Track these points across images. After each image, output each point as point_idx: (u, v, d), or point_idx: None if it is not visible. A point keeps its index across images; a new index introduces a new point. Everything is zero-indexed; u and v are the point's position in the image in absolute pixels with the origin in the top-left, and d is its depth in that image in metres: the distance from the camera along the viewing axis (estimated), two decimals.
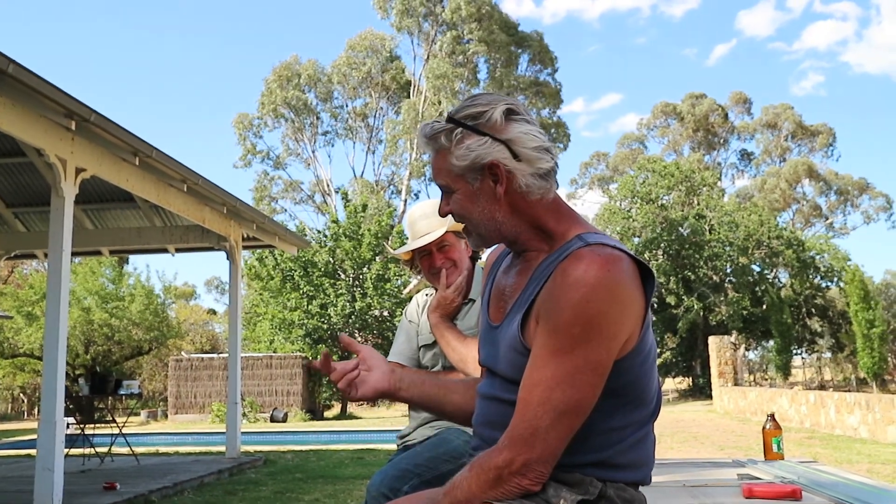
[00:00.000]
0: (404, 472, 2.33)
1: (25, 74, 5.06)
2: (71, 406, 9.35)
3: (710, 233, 28.16)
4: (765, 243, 28.16)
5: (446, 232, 2.58)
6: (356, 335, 23.53)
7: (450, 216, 2.27)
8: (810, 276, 29.33)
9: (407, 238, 2.78)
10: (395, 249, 2.76)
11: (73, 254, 8.04)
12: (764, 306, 27.23)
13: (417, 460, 2.37)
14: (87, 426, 9.31)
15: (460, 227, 2.57)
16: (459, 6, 30.36)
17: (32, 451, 9.05)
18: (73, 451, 9.20)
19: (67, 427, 7.14)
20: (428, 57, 31.76)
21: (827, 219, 40.64)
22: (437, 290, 2.61)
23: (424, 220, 2.64)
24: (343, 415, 22.90)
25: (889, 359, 24.24)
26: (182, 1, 66.86)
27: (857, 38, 62.54)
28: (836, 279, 29.28)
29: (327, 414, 23.29)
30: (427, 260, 2.65)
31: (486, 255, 1.95)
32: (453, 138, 1.50)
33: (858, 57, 64.62)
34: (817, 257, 29.62)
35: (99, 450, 9.29)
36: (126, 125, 6.26)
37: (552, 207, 1.54)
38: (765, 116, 41.78)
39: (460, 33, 31.15)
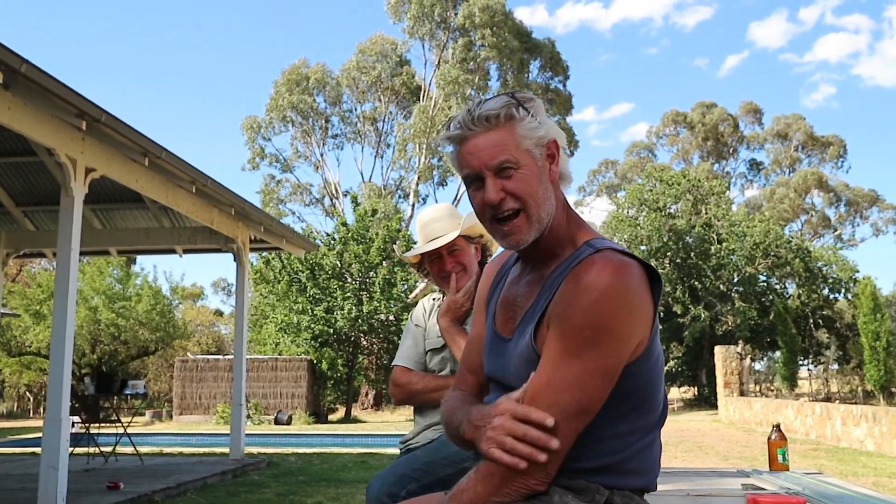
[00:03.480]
0: (402, 477, 2.32)
1: (38, 74, 5.09)
2: (76, 405, 9.38)
3: (717, 242, 28.09)
4: (772, 253, 28.07)
5: (458, 236, 2.58)
6: (362, 339, 23.53)
7: (459, 221, 2.24)
8: (818, 287, 29.21)
9: (415, 242, 2.78)
10: (403, 253, 2.77)
11: (82, 253, 8.06)
12: (771, 316, 27.13)
13: (415, 464, 2.37)
14: (92, 425, 9.34)
15: (472, 231, 2.59)
16: (473, 13, 30.41)
17: (37, 449, 9.07)
18: (78, 449, 9.22)
19: (72, 426, 7.14)
20: (439, 62, 31.79)
21: (836, 230, 40.49)
22: (445, 294, 2.61)
23: (435, 223, 2.64)
24: (347, 418, 22.90)
25: None
26: (192, 2, 67.22)
27: (869, 51, 62.41)
28: (843, 290, 29.15)
29: (332, 417, 23.27)
30: (437, 263, 2.65)
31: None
32: (524, 111, 1.48)
33: (871, 70, 64.46)
34: (825, 268, 29.50)
35: (103, 449, 9.32)
36: (135, 126, 6.29)
37: (563, 206, 1.55)
38: (776, 126, 41.69)
39: (472, 39, 31.17)
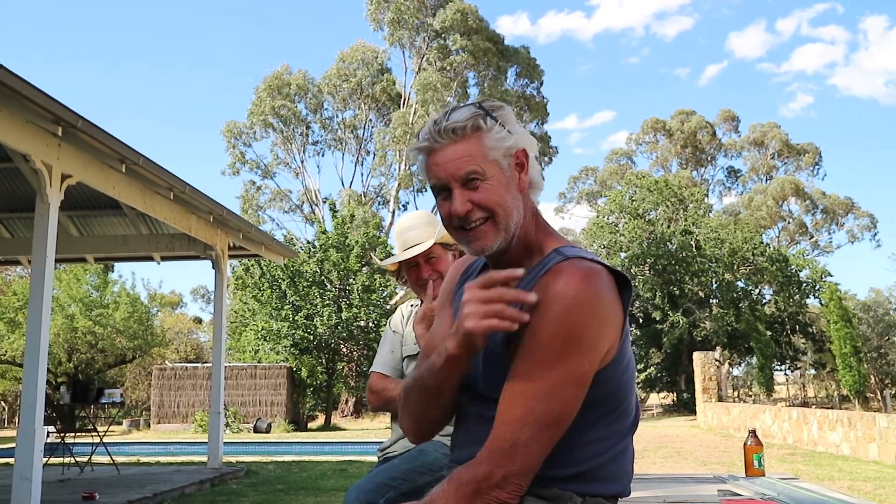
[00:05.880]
0: (380, 486, 2.31)
1: (12, 79, 5.04)
2: (52, 414, 9.26)
3: (696, 249, 28.29)
4: (750, 260, 28.33)
5: (434, 244, 2.58)
6: (341, 346, 23.43)
7: (436, 229, 2.25)
8: (794, 293, 29.50)
9: (393, 248, 2.78)
10: (381, 260, 2.77)
11: (58, 260, 7.96)
12: (743, 323, 27.40)
13: (393, 473, 2.36)
14: (67, 435, 9.21)
15: (448, 238, 2.59)
16: (446, 17, 30.57)
17: (10, 460, 8.94)
18: (53, 460, 9.08)
19: (48, 436, 7.06)
20: (419, 70, 31.87)
21: (812, 237, 40.92)
22: (423, 301, 2.60)
23: (412, 231, 2.65)
24: (327, 426, 22.78)
25: (871, 376, 24.37)
26: (174, 8, 66.81)
27: (845, 61, 63.25)
28: (814, 294, 29.46)
29: (311, 425, 23.15)
30: (414, 271, 2.65)
31: None
32: (492, 121, 1.47)
33: (846, 80, 65.30)
34: (800, 273, 29.81)
35: (79, 459, 9.19)
36: (113, 132, 6.24)
37: (532, 215, 1.54)
38: (752, 134, 42.13)
39: (448, 45, 31.30)
